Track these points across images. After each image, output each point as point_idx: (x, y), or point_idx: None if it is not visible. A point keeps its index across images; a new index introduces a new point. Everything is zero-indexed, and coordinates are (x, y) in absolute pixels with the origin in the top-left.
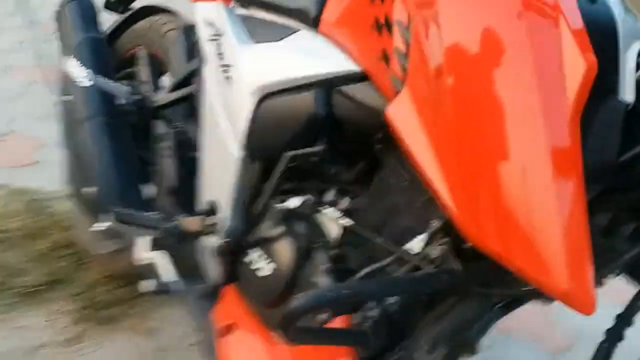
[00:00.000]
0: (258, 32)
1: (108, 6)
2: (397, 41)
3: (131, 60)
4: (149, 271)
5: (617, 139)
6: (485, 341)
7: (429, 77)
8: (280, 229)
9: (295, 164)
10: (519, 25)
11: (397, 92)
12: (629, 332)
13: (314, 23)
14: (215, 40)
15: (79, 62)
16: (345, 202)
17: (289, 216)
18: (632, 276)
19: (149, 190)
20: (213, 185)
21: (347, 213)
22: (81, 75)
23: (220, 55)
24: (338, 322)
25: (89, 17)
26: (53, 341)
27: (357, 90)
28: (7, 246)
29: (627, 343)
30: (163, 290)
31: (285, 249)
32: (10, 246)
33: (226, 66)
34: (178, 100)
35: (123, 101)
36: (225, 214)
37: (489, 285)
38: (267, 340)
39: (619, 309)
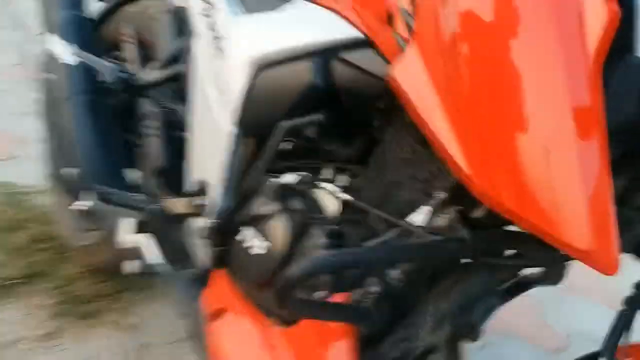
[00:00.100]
0: (251, 2)
1: None
2: (402, 0)
3: (120, 46)
4: (133, 255)
5: (636, 99)
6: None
7: (439, 33)
8: (274, 206)
9: (290, 140)
10: None
11: (401, 52)
12: None
13: None
14: (206, 13)
15: (62, 39)
16: (343, 180)
17: (284, 192)
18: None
19: (133, 173)
20: (203, 165)
21: (345, 190)
22: (65, 52)
23: (212, 28)
24: (338, 299)
25: None
26: (31, 335)
27: (357, 57)
28: None
29: None
30: (148, 271)
31: (279, 226)
32: None
33: (218, 39)
34: (166, 80)
35: (108, 79)
36: (215, 194)
37: (498, 255)
38: (259, 324)
39: (612, 311)
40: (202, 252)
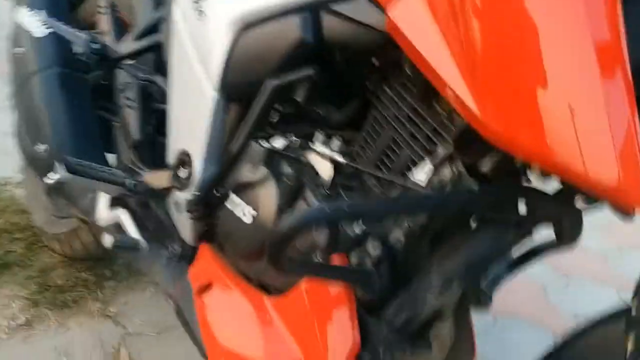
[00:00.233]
0: None
1: None
2: None
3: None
4: (113, 231)
5: None
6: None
7: None
8: (261, 171)
9: (278, 108)
10: None
11: None
12: None
13: None
14: None
15: (32, 11)
16: (336, 145)
17: (272, 157)
18: None
19: (110, 150)
20: (184, 135)
21: (339, 153)
22: (34, 25)
23: None
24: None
25: None
26: (5, 326)
27: (350, 8)
28: None
29: None
30: (130, 246)
31: (267, 193)
32: None
33: (198, 1)
34: (143, 50)
35: (81, 50)
36: (197, 165)
37: (508, 211)
38: (250, 297)
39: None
40: (185, 226)
